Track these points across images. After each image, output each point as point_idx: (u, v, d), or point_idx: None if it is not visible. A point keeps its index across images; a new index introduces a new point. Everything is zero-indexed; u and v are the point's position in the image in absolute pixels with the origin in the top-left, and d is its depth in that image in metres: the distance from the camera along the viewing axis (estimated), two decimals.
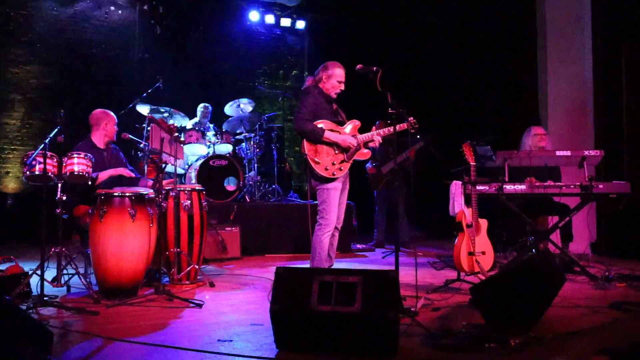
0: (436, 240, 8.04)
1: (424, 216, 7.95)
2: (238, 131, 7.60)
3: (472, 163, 4.36)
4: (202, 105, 7.64)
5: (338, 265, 5.71)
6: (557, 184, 5.04)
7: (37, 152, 3.59)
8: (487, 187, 4.97)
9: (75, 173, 3.90)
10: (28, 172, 3.75)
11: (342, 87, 4.43)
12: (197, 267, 4.53)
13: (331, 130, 4.28)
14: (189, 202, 4.55)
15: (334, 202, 4.28)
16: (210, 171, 6.79)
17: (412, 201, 6.87)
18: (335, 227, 4.41)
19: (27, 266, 4.16)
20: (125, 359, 2.72)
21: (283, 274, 2.82)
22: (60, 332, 3.11)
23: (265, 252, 6.64)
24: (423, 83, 8.71)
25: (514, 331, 2.94)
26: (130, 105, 6.45)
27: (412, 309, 3.55)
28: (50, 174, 3.81)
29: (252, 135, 7.45)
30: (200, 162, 6.80)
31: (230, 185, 6.93)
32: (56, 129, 3.80)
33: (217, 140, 7.12)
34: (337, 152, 4.27)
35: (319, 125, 4.22)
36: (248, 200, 7.20)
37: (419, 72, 8.77)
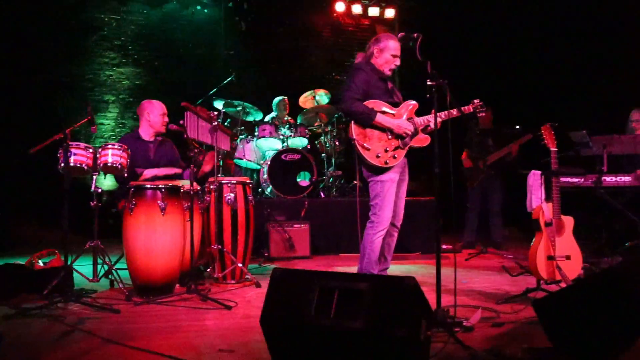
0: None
1: (521, 214, 7.05)
2: (315, 124, 7.20)
3: (553, 149, 3.56)
4: (279, 97, 7.32)
5: (410, 268, 5.14)
6: None
7: (48, 141, 3.42)
8: (581, 179, 4.13)
9: (109, 164, 3.75)
10: (62, 164, 3.60)
11: (397, 62, 3.83)
12: (240, 265, 4.19)
13: (383, 112, 3.72)
14: (233, 195, 4.23)
15: (388, 197, 3.72)
16: (282, 166, 6.47)
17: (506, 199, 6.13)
18: (393, 225, 3.88)
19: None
20: None
21: (279, 276, 2.34)
22: (65, 331, 2.89)
23: (338, 251, 6.19)
24: (521, 67, 7.77)
25: None
26: (200, 101, 6.31)
27: (465, 323, 2.91)
28: (83, 165, 3.68)
29: (331, 128, 7.02)
30: (272, 156, 6.51)
31: (303, 180, 6.57)
32: (84, 120, 3.65)
33: (291, 134, 6.78)
34: (390, 137, 3.70)
35: (370, 106, 3.68)
36: (323, 196, 6.81)
37: (515, 56, 7.85)
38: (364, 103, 3.66)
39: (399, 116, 3.77)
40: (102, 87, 8.36)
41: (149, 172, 4.22)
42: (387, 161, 3.68)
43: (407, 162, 3.92)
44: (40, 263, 4.00)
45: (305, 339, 2.19)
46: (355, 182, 7.09)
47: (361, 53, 3.94)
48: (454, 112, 3.65)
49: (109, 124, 8.36)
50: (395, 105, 3.82)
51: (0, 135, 7.09)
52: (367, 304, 2.13)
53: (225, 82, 6.76)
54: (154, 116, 4.41)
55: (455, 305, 3.00)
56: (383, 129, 3.69)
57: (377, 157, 3.66)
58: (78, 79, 8.20)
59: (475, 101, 3.73)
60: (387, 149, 3.69)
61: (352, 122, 3.69)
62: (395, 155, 3.71)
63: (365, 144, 3.65)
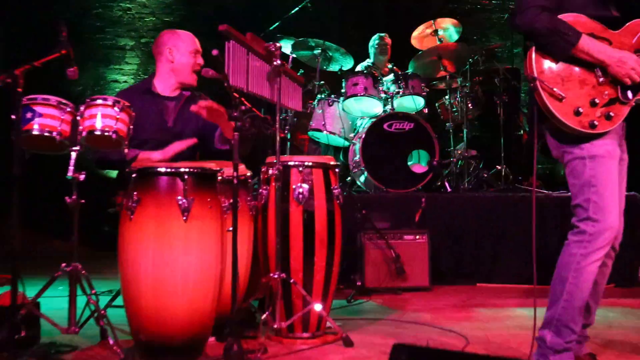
0: None
1: None
2: (437, 75, 6.88)
3: None
4: (376, 37, 7.12)
5: (608, 314, 4.34)
6: None
7: None
8: None
9: (97, 132, 3.10)
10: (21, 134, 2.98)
11: None
12: (319, 308, 3.55)
13: (592, 34, 3.01)
14: (307, 187, 3.59)
15: (609, 184, 3.01)
16: (385, 141, 6.11)
17: None
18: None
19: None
20: None
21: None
22: None
23: (477, 279, 5.68)
24: None
25: None
26: (263, 34, 5.98)
27: None
28: (54, 133, 3.06)
29: (461, 81, 6.70)
30: (368, 125, 6.16)
31: (417, 164, 6.13)
32: (56, 54, 3.09)
33: (398, 91, 6.31)
34: (602, 79, 3.00)
35: (570, 23, 3.03)
36: (449, 189, 6.41)
37: None
38: (559, 16, 2.96)
39: (620, 44, 3.02)
40: (115, 27, 8.29)
41: (146, 155, 3.63)
42: (595, 122, 2.95)
43: (624, 129, 3.16)
44: None
45: None
46: (499, 167, 6.72)
47: None
48: None
49: (125, 81, 8.25)
50: (612, 23, 3.06)
51: None
52: None
53: (296, 10, 6.40)
54: (180, 55, 3.82)
55: None
56: (590, 65, 2.98)
57: (577, 113, 2.94)
58: (80, 15, 8.06)
59: None
60: (597, 101, 2.97)
61: (533, 48, 3.00)
62: (611, 114, 2.96)
63: (555, 89, 2.94)
